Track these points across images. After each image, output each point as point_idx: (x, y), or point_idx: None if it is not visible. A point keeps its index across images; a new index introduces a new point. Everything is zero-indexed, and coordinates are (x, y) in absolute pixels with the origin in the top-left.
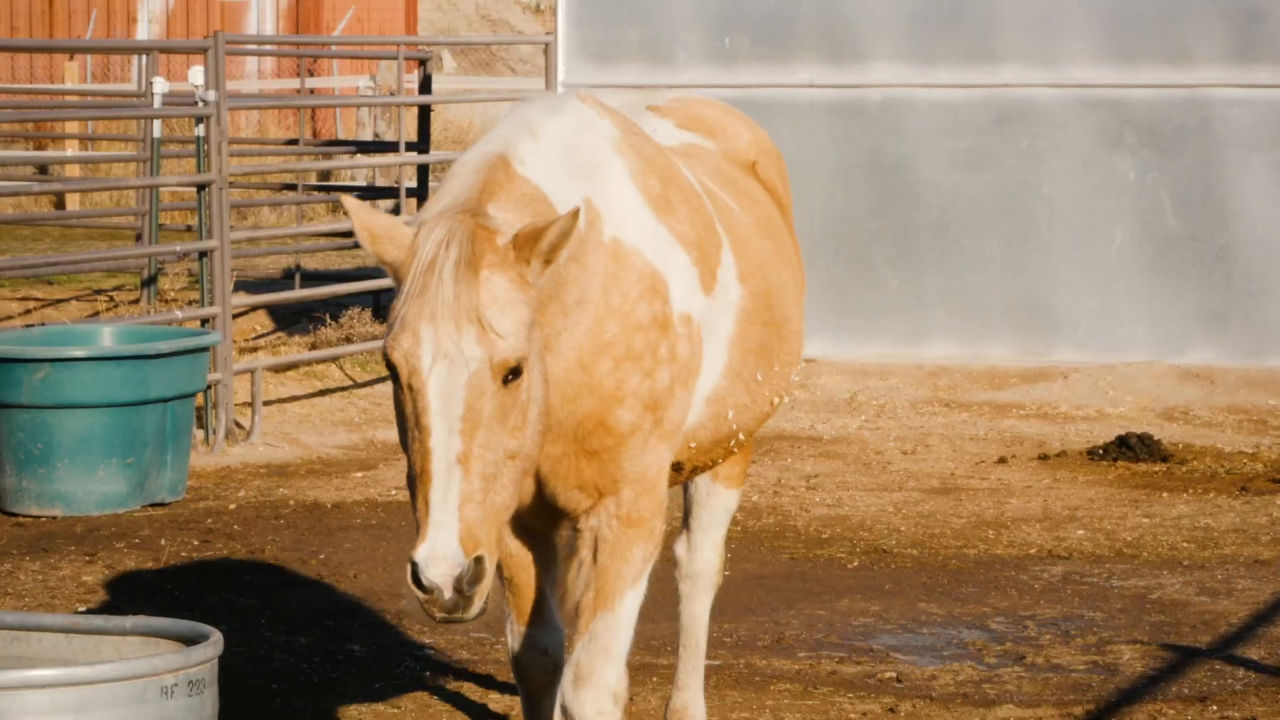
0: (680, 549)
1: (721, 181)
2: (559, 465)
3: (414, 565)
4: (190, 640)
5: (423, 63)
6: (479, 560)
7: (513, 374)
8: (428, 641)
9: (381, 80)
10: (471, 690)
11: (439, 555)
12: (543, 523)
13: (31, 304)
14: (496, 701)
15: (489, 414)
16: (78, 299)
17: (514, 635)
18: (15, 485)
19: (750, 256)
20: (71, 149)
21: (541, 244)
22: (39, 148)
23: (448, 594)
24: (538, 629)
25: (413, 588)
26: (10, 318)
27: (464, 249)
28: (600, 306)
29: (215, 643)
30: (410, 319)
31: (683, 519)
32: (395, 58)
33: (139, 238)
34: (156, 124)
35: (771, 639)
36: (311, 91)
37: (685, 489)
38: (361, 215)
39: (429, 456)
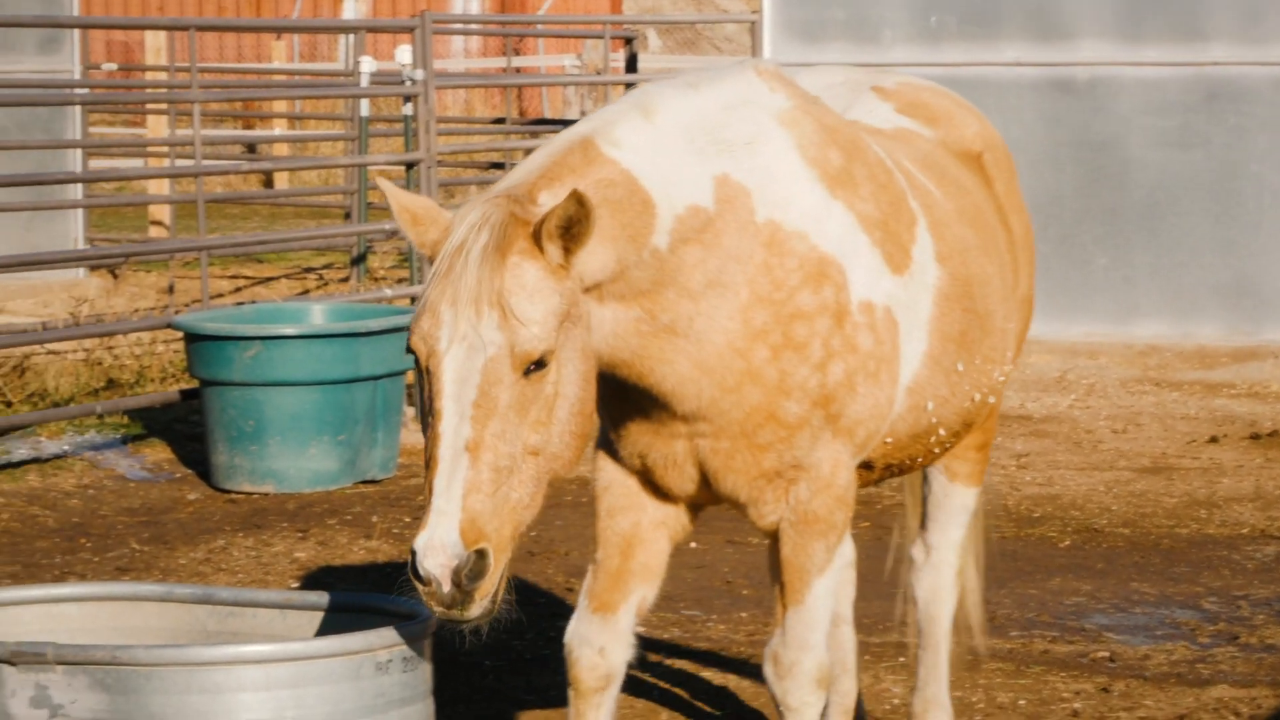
0: (917, 552)
1: (926, 167)
2: (733, 458)
3: (413, 554)
4: (404, 616)
5: (628, 41)
6: (481, 554)
7: (536, 365)
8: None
9: (587, 59)
10: (683, 667)
11: (437, 545)
12: (672, 525)
13: (242, 282)
14: (709, 679)
15: (506, 403)
16: (287, 277)
17: (577, 619)
18: (227, 462)
19: (950, 240)
20: (280, 128)
21: (548, 227)
22: (248, 127)
23: (445, 587)
24: (605, 624)
25: (412, 579)
26: (221, 296)
27: (494, 234)
28: (744, 292)
29: (429, 619)
30: (432, 301)
31: (920, 520)
32: (601, 36)
33: (348, 216)
34: (364, 103)
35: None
36: (517, 70)
37: (922, 488)
38: (400, 197)
39: (437, 441)
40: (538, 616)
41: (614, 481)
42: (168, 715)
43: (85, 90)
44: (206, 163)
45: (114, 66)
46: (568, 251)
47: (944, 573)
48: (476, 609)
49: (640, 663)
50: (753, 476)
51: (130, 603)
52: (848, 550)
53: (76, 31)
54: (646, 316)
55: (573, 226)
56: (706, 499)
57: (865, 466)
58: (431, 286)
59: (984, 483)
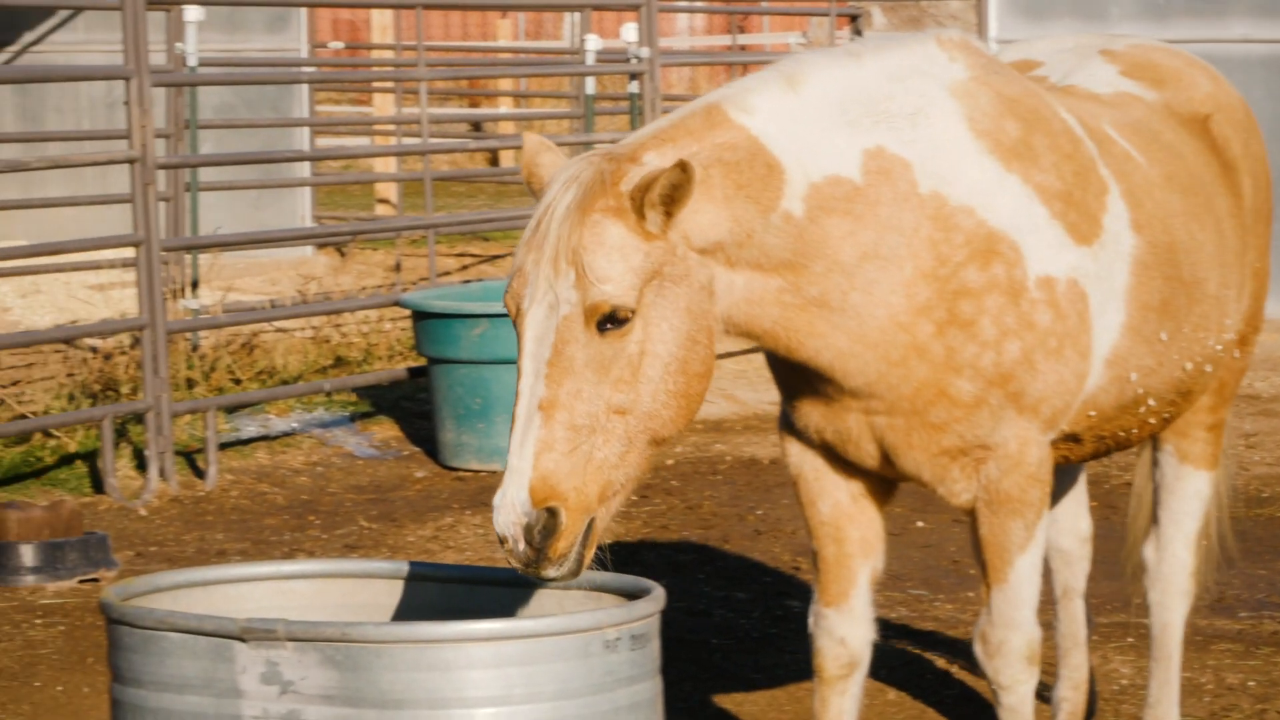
0: (1148, 550)
1: (1135, 133)
2: (910, 436)
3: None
4: (632, 595)
5: (853, 19)
6: (552, 512)
7: (613, 322)
8: None
9: (812, 36)
10: (909, 647)
11: (506, 503)
12: (869, 504)
13: (468, 260)
14: (934, 659)
15: (582, 362)
16: (512, 255)
17: (813, 614)
18: (454, 440)
19: (1149, 207)
20: (505, 106)
21: (652, 194)
22: (473, 105)
23: (520, 545)
24: (840, 614)
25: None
26: (448, 274)
27: (579, 192)
28: (908, 265)
29: (657, 597)
30: (519, 260)
31: (1150, 512)
32: (826, 14)
33: None
34: (590, 81)
35: (1212, 598)
36: (743, 48)
37: (1154, 474)
38: (530, 147)
39: (516, 400)
40: (765, 595)
41: (804, 466)
42: (397, 692)
43: (313, 69)
44: (433, 141)
45: (341, 45)
46: (668, 215)
47: (1177, 577)
48: (554, 569)
49: None
50: (933, 454)
51: (359, 580)
52: (1084, 525)
53: (304, 10)
54: (790, 288)
55: (671, 192)
56: (891, 475)
57: (1072, 440)
58: (521, 245)
59: (1219, 467)
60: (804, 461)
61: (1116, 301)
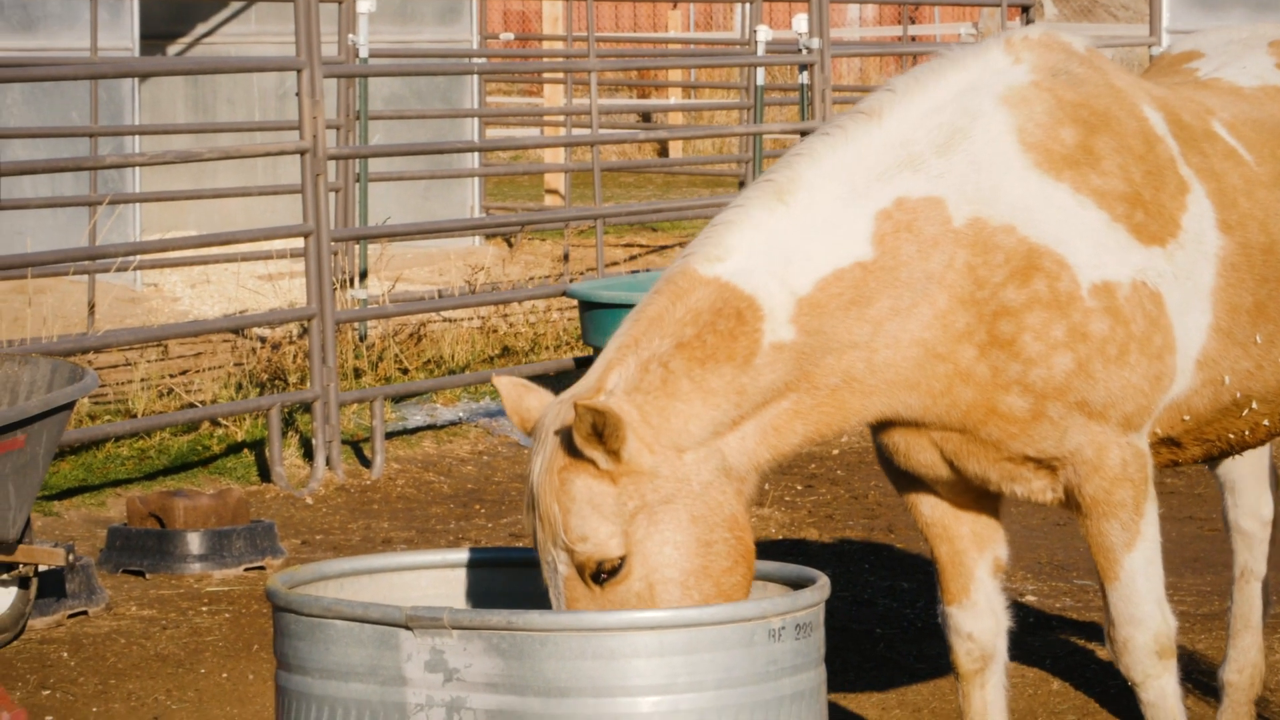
0: None
1: (1255, 130)
2: (968, 448)
3: None
4: (797, 584)
5: (1025, 10)
6: None
7: (607, 573)
8: (1030, 589)
9: (983, 27)
10: (1074, 638)
11: None
12: (970, 499)
13: (636, 250)
14: (1099, 651)
15: (599, 609)
16: (681, 245)
17: (939, 614)
18: None
19: (1244, 207)
20: (675, 97)
21: (578, 440)
22: (643, 96)
23: None
24: (963, 610)
25: None
26: (615, 264)
27: (545, 451)
28: (941, 299)
29: (822, 586)
30: (525, 523)
31: None
32: (998, 4)
33: (742, 184)
34: (760, 71)
35: None
36: (913, 39)
37: None
38: (511, 397)
39: None
40: (929, 585)
41: (898, 475)
42: (561, 680)
43: (483, 60)
44: (602, 131)
45: (511, 36)
46: (614, 453)
47: None
48: None
49: (1032, 630)
50: (995, 462)
51: (524, 568)
52: (1266, 508)
53: (475, 2)
54: (807, 394)
55: (595, 433)
56: (964, 478)
57: (1172, 444)
58: (524, 506)
59: None
60: (895, 468)
61: (1201, 302)
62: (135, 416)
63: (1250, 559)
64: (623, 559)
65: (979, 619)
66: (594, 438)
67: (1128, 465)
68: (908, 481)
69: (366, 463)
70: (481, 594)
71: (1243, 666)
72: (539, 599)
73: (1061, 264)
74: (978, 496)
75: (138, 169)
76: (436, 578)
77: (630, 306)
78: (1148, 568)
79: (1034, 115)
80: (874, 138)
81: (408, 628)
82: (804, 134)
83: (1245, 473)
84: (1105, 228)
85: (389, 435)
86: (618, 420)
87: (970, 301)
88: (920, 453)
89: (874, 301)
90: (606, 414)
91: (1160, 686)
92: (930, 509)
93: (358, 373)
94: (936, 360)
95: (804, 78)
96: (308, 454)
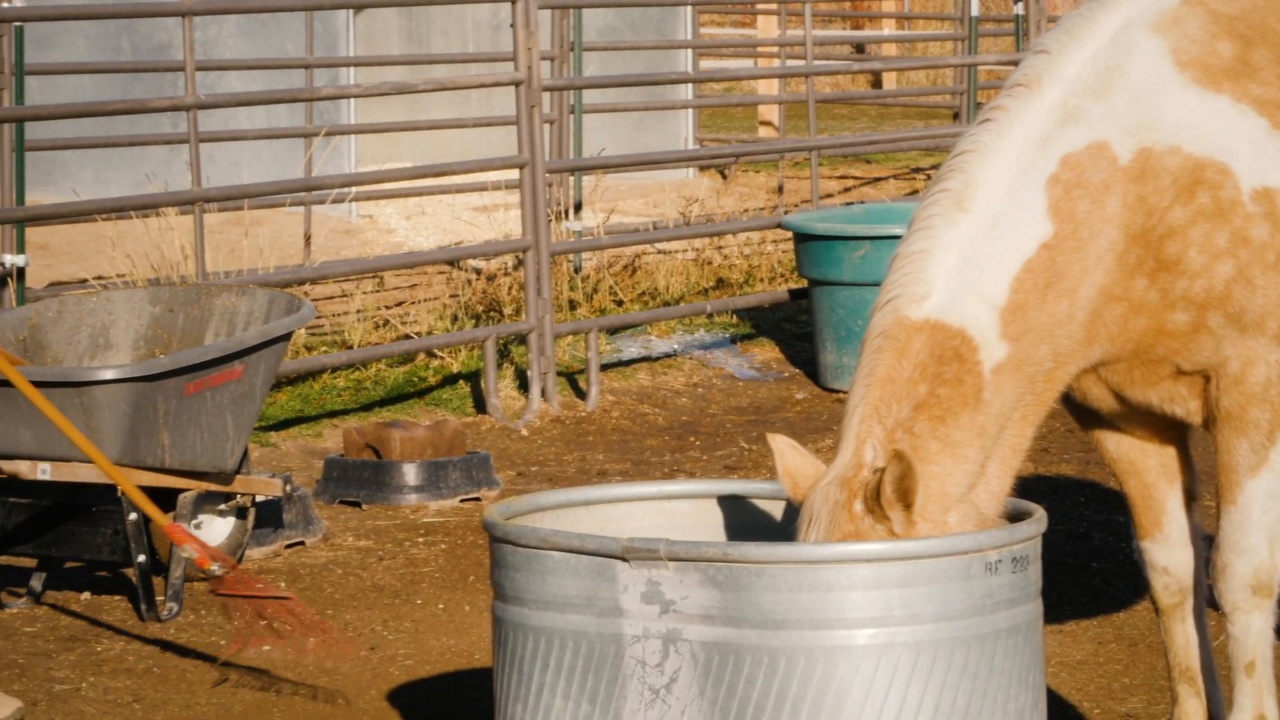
0: None
1: None
2: (1132, 374)
3: None
4: (1014, 517)
5: None
6: None
7: None
8: None
9: None
10: None
11: None
12: (1151, 431)
13: (850, 182)
14: None
15: None
16: (895, 177)
17: (1135, 550)
18: (835, 362)
19: None
20: (889, 28)
21: (887, 498)
22: (856, 27)
23: None
24: (1157, 544)
25: None
26: (830, 196)
27: (820, 532)
28: (1118, 240)
29: (1039, 520)
30: None
31: None
32: None
33: (956, 116)
34: (974, 2)
35: None
36: None
37: None
38: (785, 459)
39: None
40: None
41: (1080, 412)
42: (778, 612)
43: None
44: (816, 63)
45: None
46: (908, 507)
47: None
48: None
49: None
50: (1154, 384)
51: (740, 500)
52: None
53: None
54: (1028, 395)
55: (900, 488)
56: (1129, 406)
57: None
58: None
59: None
60: (1075, 403)
61: None
62: (351, 348)
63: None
64: None
65: (1173, 552)
66: (898, 492)
67: (1270, 386)
68: (1090, 418)
69: (581, 395)
70: (697, 526)
71: None
72: (754, 530)
73: (1224, 172)
74: (1160, 429)
75: (353, 101)
76: (652, 509)
77: (846, 239)
78: (1267, 500)
79: (1187, 33)
80: (1036, 108)
81: (624, 559)
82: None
83: None
84: (1265, 135)
85: (604, 367)
86: (916, 476)
87: (1141, 233)
88: (1092, 388)
89: (1066, 274)
90: (913, 468)
91: (1247, 623)
92: (1115, 445)
93: (572, 304)
94: (1114, 302)
95: (1019, 8)
96: (523, 386)
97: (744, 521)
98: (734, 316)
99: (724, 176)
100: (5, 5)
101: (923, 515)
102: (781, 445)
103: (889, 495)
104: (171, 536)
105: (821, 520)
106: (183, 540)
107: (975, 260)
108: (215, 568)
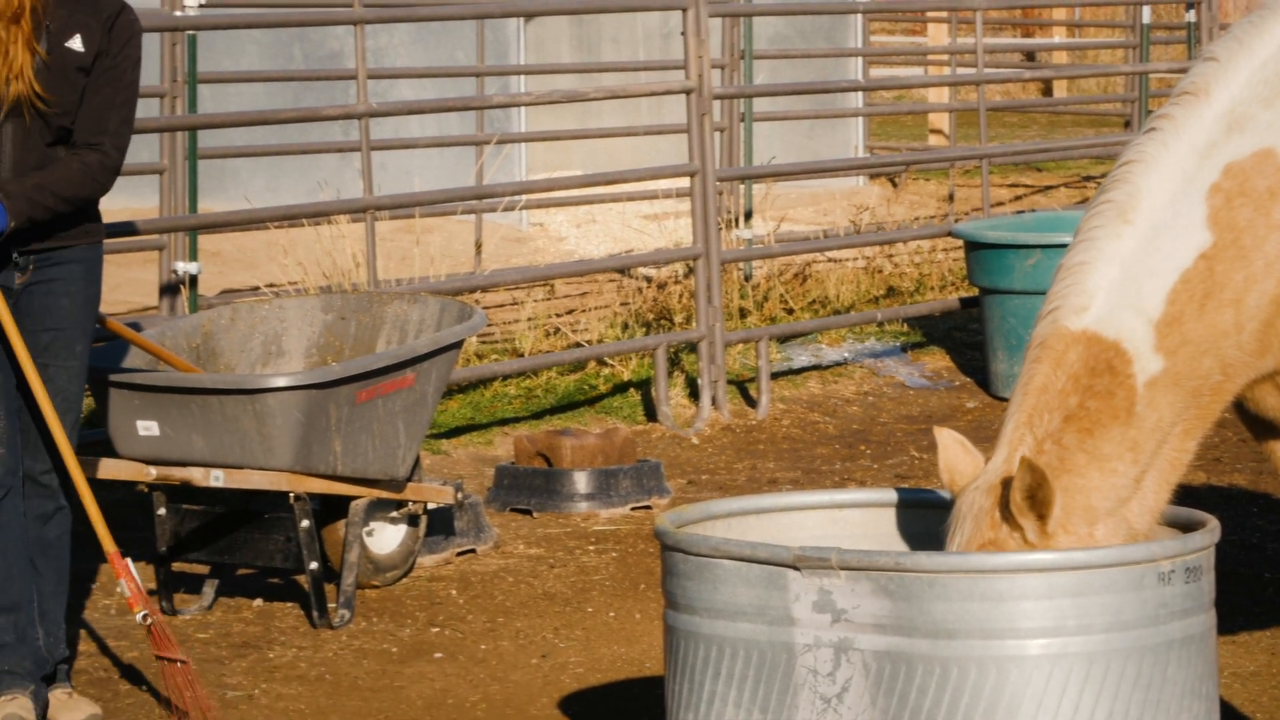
0: None
1: None
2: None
3: None
4: (1187, 527)
5: None
6: None
7: None
8: None
9: None
10: None
11: None
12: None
13: (1021, 190)
14: None
15: None
16: (1066, 185)
17: None
18: (1007, 370)
19: None
20: (1059, 35)
21: (1017, 506)
22: (1026, 35)
23: None
24: None
25: None
26: (1000, 204)
27: (966, 533)
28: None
29: (1212, 530)
30: None
31: None
32: None
33: (1128, 124)
34: (1145, 10)
35: None
36: None
37: None
38: (947, 453)
39: None
40: None
41: (1252, 422)
42: (949, 622)
43: None
44: (987, 71)
45: None
46: (1041, 519)
47: None
48: None
49: None
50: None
51: (911, 509)
52: None
53: None
54: (1190, 409)
55: (1029, 500)
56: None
57: None
58: None
59: None
60: (1247, 413)
61: None
62: (522, 355)
63: None
64: None
65: None
66: (1029, 501)
67: None
68: (1264, 428)
69: (752, 402)
70: (868, 535)
71: None
72: (925, 539)
73: None
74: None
75: (523, 109)
76: (823, 518)
77: (1017, 247)
78: None
79: None
80: (1203, 116)
81: (796, 568)
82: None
83: None
84: None
85: (774, 375)
86: (1050, 485)
87: None
88: (1267, 397)
89: (1228, 283)
90: (1045, 476)
91: None
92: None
93: (743, 312)
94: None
95: (1191, 15)
96: (693, 393)
97: (915, 530)
98: (904, 325)
99: (894, 184)
100: (178, 14)
101: (1065, 527)
102: (947, 439)
103: (1017, 503)
104: (112, 566)
105: (965, 525)
106: (119, 574)
107: (1134, 272)
108: (140, 616)
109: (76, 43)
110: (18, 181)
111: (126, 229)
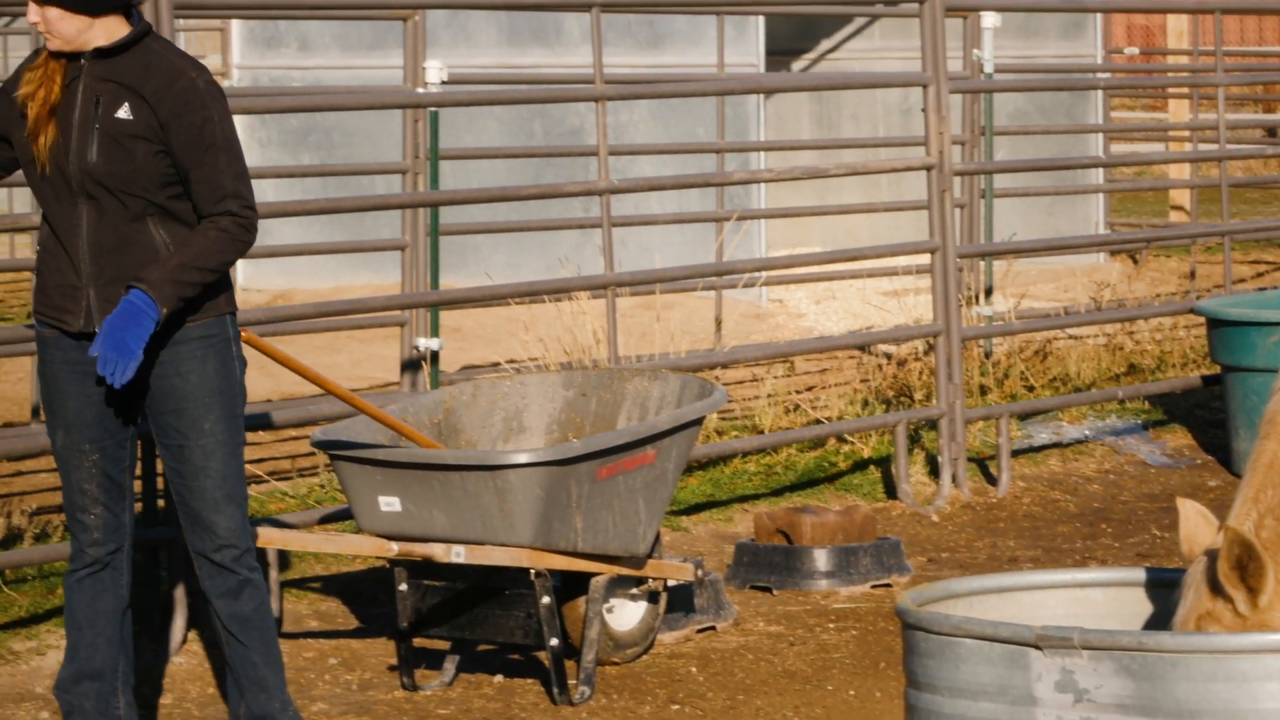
0: None
1: None
2: None
3: None
4: None
5: None
6: None
7: None
8: None
9: None
10: None
11: None
12: None
13: (1264, 267)
14: None
15: None
16: None
17: None
18: (1248, 449)
19: None
20: None
21: (1223, 573)
22: (1269, 110)
23: None
24: None
25: None
26: (1243, 280)
27: (1188, 603)
28: None
29: None
30: None
31: None
32: None
33: None
34: None
35: None
36: None
37: None
38: (1188, 524)
39: None
40: None
41: None
42: (1192, 703)
43: (1107, 75)
44: (1230, 147)
45: (1135, 50)
46: (1251, 591)
47: None
48: None
49: None
50: None
51: (1154, 588)
52: None
53: (1099, 16)
54: None
55: (1237, 570)
56: None
57: None
58: None
59: None
60: None
61: None
62: (762, 432)
63: None
64: None
65: None
66: (1237, 572)
67: None
68: None
69: (992, 480)
70: (1110, 614)
71: None
72: (1169, 619)
73: None
74: None
75: (763, 185)
76: (1064, 597)
77: (1260, 324)
78: None
79: None
80: None
81: (1037, 647)
82: None
83: None
84: None
85: (1015, 453)
86: (1261, 558)
87: None
88: None
89: None
90: (1252, 548)
91: None
92: None
93: (983, 389)
94: None
95: None
96: (933, 470)
97: (1158, 609)
98: (1146, 402)
99: (1135, 261)
100: (420, 91)
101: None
102: (1188, 510)
103: (1225, 573)
104: None
105: (1187, 596)
106: None
107: None
108: None
109: (125, 112)
110: (158, 268)
111: (368, 305)
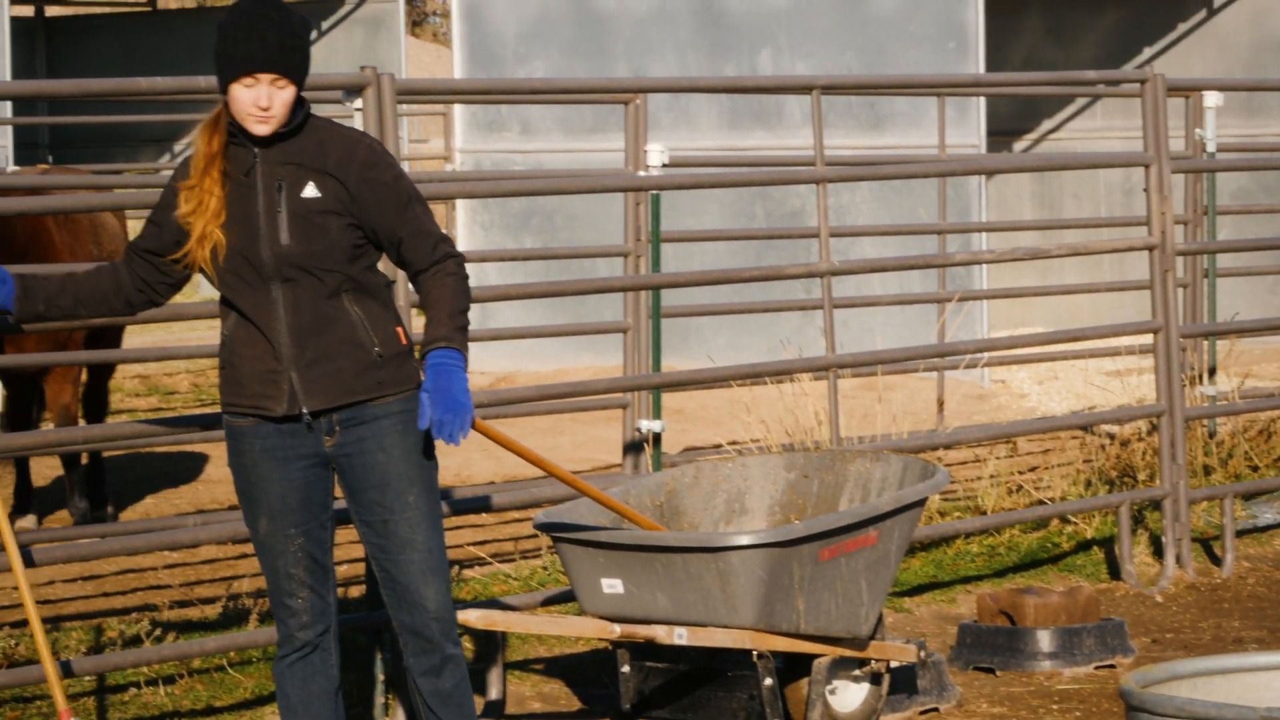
0: None
1: None
2: None
3: None
4: None
5: None
6: None
7: None
8: None
9: None
10: None
11: None
12: None
13: None
14: None
15: None
16: None
17: None
18: None
19: None
20: None
21: None
22: None
23: None
24: None
25: None
26: None
27: None
28: None
29: None
30: None
31: None
32: None
33: None
34: None
35: None
36: None
37: None
38: None
39: None
40: None
41: None
42: None
43: None
44: None
45: None
46: None
47: None
48: None
49: None
50: None
51: None
52: None
53: None
54: None
55: None
56: None
57: None
58: None
59: None
60: None
61: None
62: (984, 513)
63: None
64: None
65: None
66: None
67: None
68: None
69: (1216, 560)
70: None
71: None
72: None
73: None
74: None
75: (985, 266)
76: None
77: None
78: None
79: None
80: None
81: None
82: None
83: None
84: None
85: (1239, 533)
86: None
87: None
88: None
89: None
90: None
91: None
92: None
93: (1207, 469)
94: None
95: None
96: (1157, 551)
97: None
98: None
99: None
100: (641, 174)
101: None
102: None
103: None
104: None
105: None
106: None
107: None
108: None
109: (311, 190)
110: (431, 327)
111: (591, 387)
